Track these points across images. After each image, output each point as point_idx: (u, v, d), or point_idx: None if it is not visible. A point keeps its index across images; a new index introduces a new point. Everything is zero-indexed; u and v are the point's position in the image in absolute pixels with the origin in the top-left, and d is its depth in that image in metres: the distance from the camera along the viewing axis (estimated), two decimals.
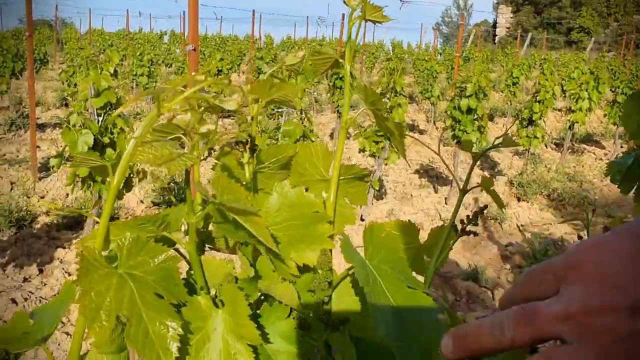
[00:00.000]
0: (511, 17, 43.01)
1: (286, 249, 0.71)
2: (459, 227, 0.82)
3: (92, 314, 0.53)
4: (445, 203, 6.75)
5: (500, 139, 0.86)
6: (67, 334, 3.54)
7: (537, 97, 7.68)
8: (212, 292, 0.66)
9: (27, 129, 8.13)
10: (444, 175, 7.98)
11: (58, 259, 4.61)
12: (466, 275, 4.84)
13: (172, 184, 6.00)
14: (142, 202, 6.01)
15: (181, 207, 0.68)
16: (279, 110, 6.07)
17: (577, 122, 8.51)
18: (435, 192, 7.30)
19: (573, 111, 8.47)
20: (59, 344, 3.43)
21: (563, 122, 11.28)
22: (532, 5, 41.38)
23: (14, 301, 3.88)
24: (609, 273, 0.45)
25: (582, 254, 0.48)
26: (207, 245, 0.79)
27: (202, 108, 0.86)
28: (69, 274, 4.34)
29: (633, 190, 1.58)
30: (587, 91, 8.39)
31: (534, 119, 7.65)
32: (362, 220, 5.80)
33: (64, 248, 4.78)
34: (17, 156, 7.63)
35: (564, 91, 12.62)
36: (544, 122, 8.23)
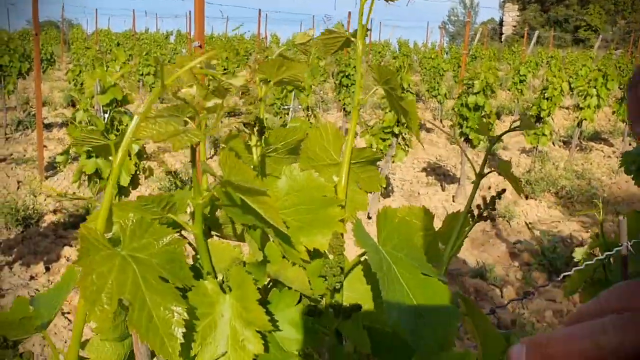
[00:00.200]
0: (518, 15, 42.82)
1: (296, 233, 0.69)
2: (475, 212, 0.79)
3: (93, 296, 0.51)
4: (453, 201, 6.70)
5: (519, 122, 0.83)
6: (69, 319, 3.53)
7: (545, 94, 7.63)
8: (220, 277, 0.63)
9: (34, 129, 8.13)
10: (451, 174, 7.94)
11: (65, 257, 4.60)
12: (474, 272, 4.80)
13: (178, 181, 5.98)
14: None
15: (187, 190, 0.65)
16: (285, 107, 6.05)
17: (585, 120, 8.43)
18: (443, 190, 7.25)
19: (581, 108, 8.40)
20: (56, 332, 3.42)
21: (571, 120, 11.22)
22: (539, 3, 41.19)
23: None
24: None
25: None
26: (214, 233, 0.76)
27: (210, 87, 0.84)
28: None
29: None
30: (595, 88, 8.32)
31: (541, 116, 7.60)
32: (369, 218, 5.77)
33: (71, 246, 4.77)
34: (24, 155, 7.63)
35: (571, 89, 12.54)
36: (552, 119, 8.17)
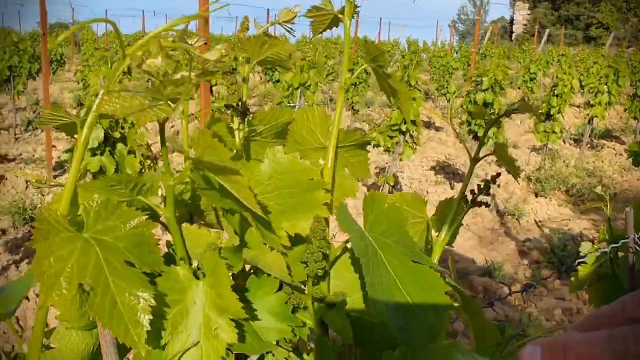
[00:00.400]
0: (528, 14, 42.55)
1: (278, 218, 0.65)
2: (469, 198, 0.75)
3: (51, 280, 0.48)
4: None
5: (517, 104, 0.79)
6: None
7: (555, 91, 7.55)
8: (195, 264, 0.60)
9: (43, 129, 8.15)
10: (460, 172, 7.87)
11: None
12: (482, 271, 4.75)
13: None
14: None
15: (158, 170, 0.62)
16: (291, 105, 6.02)
17: (596, 117, 8.33)
18: (452, 188, 7.19)
19: (592, 105, 8.30)
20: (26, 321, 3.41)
21: (582, 118, 11.10)
22: (550, 1, 40.89)
23: (26, 298, 3.86)
24: None
25: None
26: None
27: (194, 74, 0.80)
28: None
29: None
30: (606, 85, 8.22)
31: (551, 113, 7.52)
32: None
33: None
34: (33, 155, 7.65)
35: (582, 87, 12.42)
36: (562, 117, 8.08)
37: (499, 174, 0.74)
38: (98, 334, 0.59)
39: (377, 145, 5.89)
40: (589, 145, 9.16)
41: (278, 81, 10.86)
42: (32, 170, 6.91)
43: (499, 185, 6.90)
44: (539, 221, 6.08)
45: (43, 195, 5.85)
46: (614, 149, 9.81)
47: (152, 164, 3.73)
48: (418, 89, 5.67)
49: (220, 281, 0.56)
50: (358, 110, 9.20)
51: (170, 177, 0.56)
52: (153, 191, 0.61)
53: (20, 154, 7.69)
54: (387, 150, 5.88)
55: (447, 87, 10.96)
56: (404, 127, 5.63)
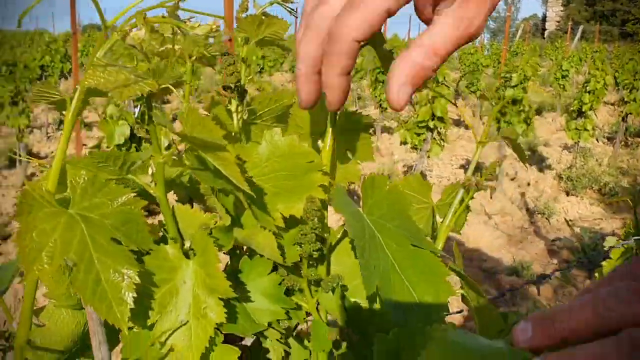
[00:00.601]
0: (561, 10, 41.83)
1: (273, 200, 0.64)
2: (474, 181, 0.73)
3: (33, 254, 0.47)
4: (491, 197, 6.56)
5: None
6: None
7: (587, 88, 7.39)
8: (187, 244, 0.59)
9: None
10: None
11: None
12: (510, 270, 4.68)
13: None
14: None
15: (147, 147, 0.61)
16: None
17: (630, 114, 8.14)
18: None
19: (626, 102, 8.11)
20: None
21: (616, 116, 10.86)
22: None
23: None
24: None
25: None
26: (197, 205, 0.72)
27: (194, 58, 0.80)
28: None
29: None
30: None
31: (583, 110, 7.37)
32: None
33: None
34: None
35: (617, 84, 12.14)
36: (595, 114, 7.91)
37: (505, 156, 0.72)
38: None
39: (405, 143, 5.86)
40: (623, 143, 8.95)
41: None
42: None
43: (528, 184, 6.79)
44: (570, 220, 5.97)
45: None
46: None
47: None
48: (446, 85, 5.62)
49: (209, 261, 0.55)
50: (386, 109, 9.14)
51: (159, 154, 0.56)
52: (144, 170, 0.60)
53: (52, 152, 7.84)
54: (414, 147, 5.83)
55: (477, 85, 10.83)
56: (431, 124, 5.57)
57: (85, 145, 7.62)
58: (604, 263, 1.58)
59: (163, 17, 0.55)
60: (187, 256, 0.58)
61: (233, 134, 0.72)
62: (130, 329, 0.54)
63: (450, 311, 0.74)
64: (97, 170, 0.55)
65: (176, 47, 0.55)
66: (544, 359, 0.39)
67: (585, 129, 7.40)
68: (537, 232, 5.69)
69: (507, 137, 0.74)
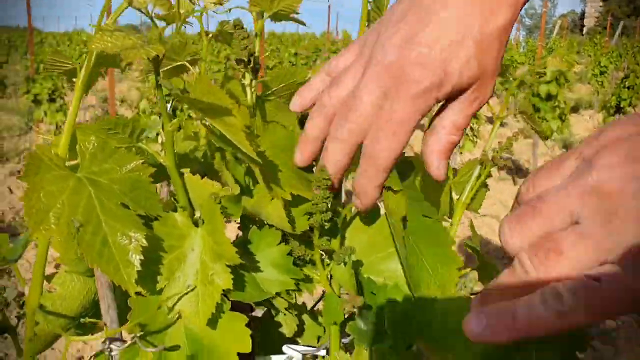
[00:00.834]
0: (600, 6, 40.94)
1: (284, 176, 0.64)
2: (490, 156, 0.72)
3: (39, 215, 0.48)
4: (514, 183, 6.45)
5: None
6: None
7: (626, 83, 7.22)
8: (197, 214, 0.59)
9: None
10: (523, 168, 7.65)
11: None
12: None
13: None
14: None
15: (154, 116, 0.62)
16: None
17: None
18: (514, 184, 7.00)
19: None
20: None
21: None
22: None
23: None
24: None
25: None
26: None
27: (210, 35, 0.80)
28: None
29: None
30: None
31: (622, 106, 7.19)
32: None
33: None
34: None
35: None
36: (634, 110, 7.72)
37: (518, 132, 0.70)
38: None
39: None
40: None
41: None
42: None
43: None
44: None
45: None
46: None
47: None
48: None
49: (216, 228, 0.55)
50: None
51: (168, 122, 0.56)
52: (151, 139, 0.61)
53: None
54: None
55: (511, 82, 10.67)
56: None
57: None
58: None
59: None
60: (196, 225, 0.58)
61: (247, 108, 0.72)
62: (138, 294, 0.55)
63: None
64: (107, 137, 0.56)
65: (181, 11, 0.55)
66: (481, 312, 0.40)
67: None
68: None
69: (523, 112, 0.73)
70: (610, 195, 0.36)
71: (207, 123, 0.60)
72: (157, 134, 0.63)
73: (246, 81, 0.72)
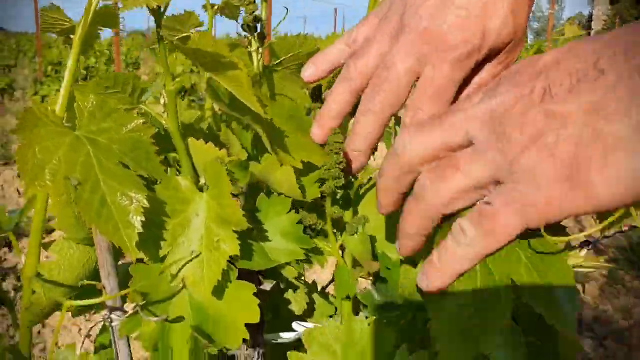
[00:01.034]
0: (609, 9, 40.74)
1: (293, 143, 0.61)
2: None
3: (34, 171, 0.45)
4: None
5: None
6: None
7: None
8: (202, 181, 0.56)
9: None
10: None
11: None
12: None
13: None
14: None
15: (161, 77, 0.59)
16: None
17: None
18: None
19: None
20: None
21: None
22: None
23: None
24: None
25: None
26: None
27: (216, 7, 0.77)
28: None
29: None
30: None
31: None
32: None
33: None
34: None
35: None
36: None
37: None
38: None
39: None
40: None
41: None
42: None
43: None
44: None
45: None
46: None
47: None
48: None
49: (222, 192, 0.52)
50: None
51: (170, 80, 0.53)
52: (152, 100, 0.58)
53: None
54: None
55: None
56: None
57: None
58: None
59: None
60: (201, 191, 0.55)
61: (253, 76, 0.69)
62: (140, 260, 0.52)
63: None
64: (106, 97, 0.53)
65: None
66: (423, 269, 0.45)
67: None
68: (582, 230, 5.52)
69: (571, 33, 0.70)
70: (500, 117, 0.40)
71: (211, 83, 0.57)
72: (160, 97, 0.60)
73: (252, 48, 0.69)
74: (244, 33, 0.70)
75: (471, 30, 0.51)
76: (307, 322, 0.67)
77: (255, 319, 0.52)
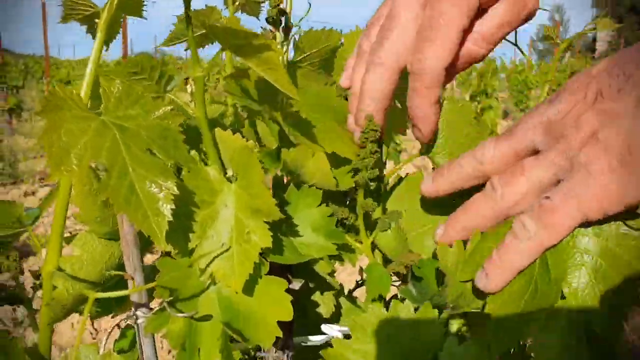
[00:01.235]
0: (613, 30, 40.89)
1: (320, 136, 0.59)
2: None
3: (60, 154, 0.43)
4: None
5: None
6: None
7: None
8: (229, 172, 0.54)
9: None
10: None
11: None
12: None
13: None
14: None
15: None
16: None
17: None
18: None
19: None
20: None
21: None
22: (637, 15, 39.14)
23: None
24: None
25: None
26: None
27: (237, 3, 0.76)
28: None
29: None
30: None
31: None
32: None
33: None
34: None
35: None
36: None
37: None
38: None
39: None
40: None
41: None
42: None
43: None
44: None
45: None
46: None
47: None
48: (496, 98, 5.49)
49: (252, 181, 0.50)
50: None
51: (198, 67, 0.51)
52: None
53: None
54: None
55: (526, 102, 10.59)
56: None
57: None
58: None
59: None
60: (228, 181, 0.53)
61: None
62: (168, 254, 0.50)
63: None
64: (132, 83, 0.51)
65: None
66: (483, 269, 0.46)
67: None
68: None
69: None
70: (559, 122, 0.44)
71: (236, 72, 0.55)
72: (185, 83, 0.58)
73: (277, 42, 0.67)
74: (268, 27, 0.68)
75: None
76: (336, 325, 0.65)
77: (288, 316, 0.50)
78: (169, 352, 2.41)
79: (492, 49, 0.56)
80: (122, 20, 0.58)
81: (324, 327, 0.62)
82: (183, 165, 0.49)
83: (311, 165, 0.53)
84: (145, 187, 0.45)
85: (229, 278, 0.49)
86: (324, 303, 0.65)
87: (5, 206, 0.56)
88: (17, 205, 0.58)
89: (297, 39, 0.70)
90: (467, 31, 0.52)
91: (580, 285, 0.46)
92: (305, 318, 0.63)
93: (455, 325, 0.57)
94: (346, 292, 0.71)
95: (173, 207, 0.45)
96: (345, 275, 3.12)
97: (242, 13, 0.81)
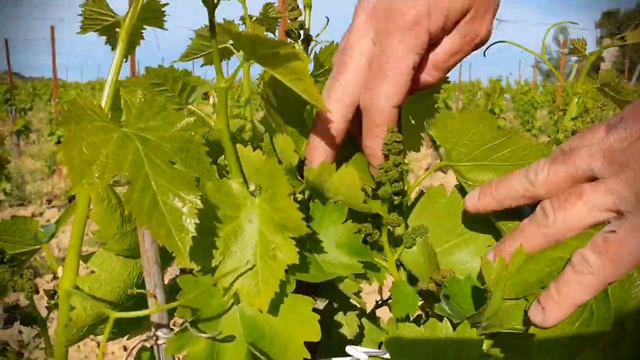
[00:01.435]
0: (617, 50, 41.07)
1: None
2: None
3: (82, 166, 0.41)
4: None
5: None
6: None
7: None
8: (252, 187, 0.52)
9: None
10: None
11: None
12: None
13: None
14: None
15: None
16: None
17: None
18: None
19: None
20: None
21: None
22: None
23: None
24: None
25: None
26: None
27: (254, 19, 0.75)
28: None
29: None
30: None
31: None
32: None
33: None
34: None
35: None
36: None
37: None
38: (141, 263, 0.52)
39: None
40: None
41: None
42: None
43: None
44: None
45: None
46: None
47: None
48: (503, 118, 5.48)
49: (277, 194, 0.48)
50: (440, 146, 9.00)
51: (222, 78, 0.49)
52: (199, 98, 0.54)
53: None
54: None
55: (532, 122, 10.59)
56: None
57: None
58: None
59: None
60: (252, 195, 0.51)
61: None
62: (190, 272, 0.48)
63: None
64: (154, 94, 0.50)
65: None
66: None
67: None
68: None
69: (606, 85, 0.66)
70: (622, 151, 0.42)
71: (263, 87, 0.54)
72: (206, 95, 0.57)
73: None
74: (288, 40, 0.67)
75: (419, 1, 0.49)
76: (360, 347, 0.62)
77: (316, 336, 0.48)
78: None
79: (443, 76, 0.57)
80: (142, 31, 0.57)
81: (349, 349, 0.60)
82: (206, 179, 0.47)
83: (336, 179, 0.51)
84: (169, 200, 0.43)
85: (253, 297, 0.47)
86: (348, 324, 0.62)
87: (20, 222, 0.55)
88: (33, 221, 0.56)
89: (317, 52, 0.68)
90: (419, 65, 0.52)
91: None
92: (329, 339, 0.61)
93: (485, 346, 0.55)
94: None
95: (197, 221, 0.43)
96: (363, 294, 3.09)
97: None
